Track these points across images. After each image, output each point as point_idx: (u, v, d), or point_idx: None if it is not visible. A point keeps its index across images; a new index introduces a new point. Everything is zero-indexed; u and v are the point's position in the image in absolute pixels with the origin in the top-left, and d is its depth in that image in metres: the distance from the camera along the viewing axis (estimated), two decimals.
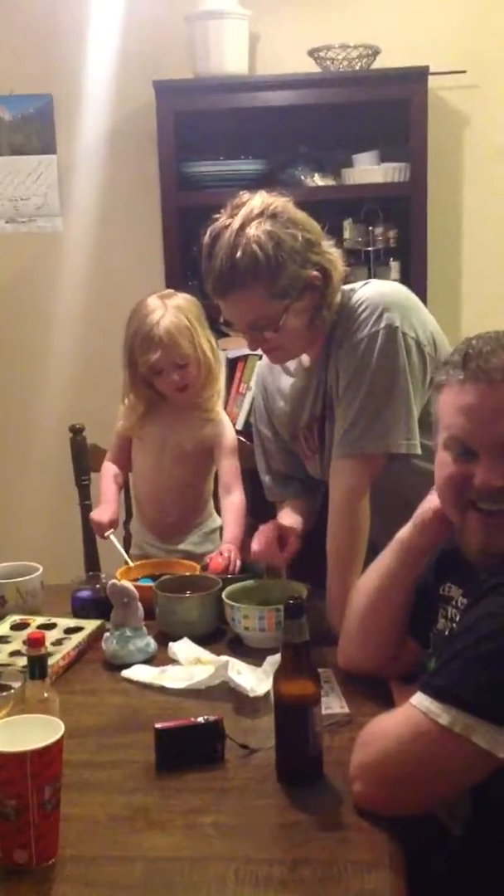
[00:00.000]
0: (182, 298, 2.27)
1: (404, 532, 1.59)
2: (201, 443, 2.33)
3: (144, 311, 2.23)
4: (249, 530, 2.16)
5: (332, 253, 1.91)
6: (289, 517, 2.13)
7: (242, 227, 1.80)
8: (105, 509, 2.34)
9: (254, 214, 1.81)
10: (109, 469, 2.43)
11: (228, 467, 2.33)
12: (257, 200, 1.83)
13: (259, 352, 2.06)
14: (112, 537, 2.26)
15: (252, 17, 3.07)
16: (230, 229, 1.80)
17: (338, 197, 3.12)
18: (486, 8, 3.16)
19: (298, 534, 2.07)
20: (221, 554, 2.13)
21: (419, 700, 1.25)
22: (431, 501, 1.54)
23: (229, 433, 2.35)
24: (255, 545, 1.99)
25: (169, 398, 2.30)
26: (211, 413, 2.33)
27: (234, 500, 2.31)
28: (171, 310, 2.21)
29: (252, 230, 1.79)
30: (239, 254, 1.78)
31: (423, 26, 3.14)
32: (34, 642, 1.37)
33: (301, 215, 1.87)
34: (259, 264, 1.78)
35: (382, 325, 1.84)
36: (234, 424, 3.03)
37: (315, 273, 1.85)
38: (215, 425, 2.33)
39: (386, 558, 1.62)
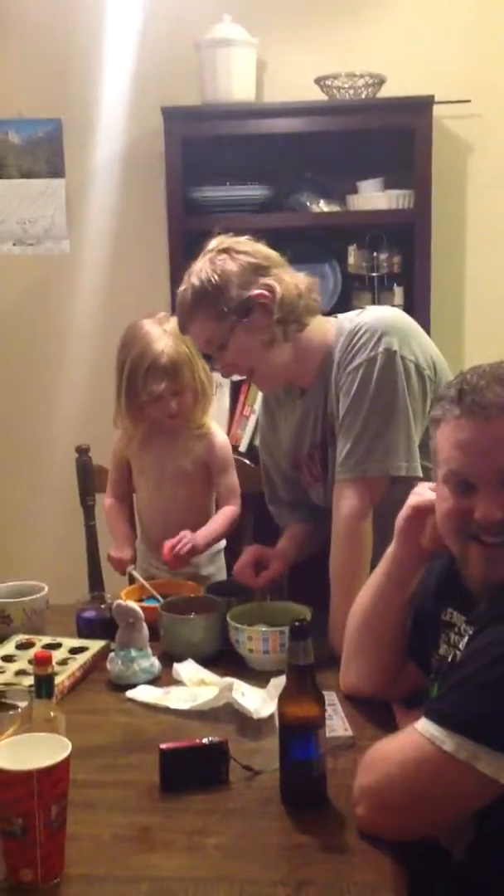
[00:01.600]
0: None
1: (390, 547, 1.61)
2: (198, 459, 2.33)
3: (146, 337, 2.22)
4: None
5: (286, 277, 1.96)
6: (284, 541, 2.17)
7: (192, 265, 1.97)
8: (122, 547, 2.36)
9: (206, 252, 1.97)
10: (111, 506, 2.45)
11: (226, 483, 2.34)
12: (214, 241, 1.98)
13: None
14: (134, 572, 2.25)
15: (260, 45, 3.12)
16: (186, 273, 1.97)
17: (342, 223, 3.15)
18: (491, 38, 3.20)
19: (285, 556, 2.12)
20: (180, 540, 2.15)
21: (423, 726, 1.26)
22: (403, 512, 1.56)
23: (221, 447, 2.35)
24: (235, 567, 2.09)
25: (158, 423, 2.30)
26: (202, 428, 2.32)
27: (226, 508, 2.31)
28: (172, 338, 2.21)
29: (199, 265, 1.95)
30: (186, 289, 1.95)
31: (429, 56, 3.18)
32: (41, 661, 1.38)
33: (253, 247, 1.98)
34: (200, 292, 1.93)
35: (381, 349, 1.87)
36: (237, 447, 3.06)
37: (260, 291, 1.92)
38: (207, 440, 2.33)
39: (376, 575, 1.65)
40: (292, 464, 2.14)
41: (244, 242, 1.98)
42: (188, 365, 2.22)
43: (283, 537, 2.20)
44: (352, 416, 1.89)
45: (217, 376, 3.10)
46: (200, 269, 1.94)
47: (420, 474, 1.85)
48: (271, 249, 2.01)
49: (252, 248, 1.96)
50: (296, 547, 2.16)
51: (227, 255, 1.94)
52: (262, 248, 1.98)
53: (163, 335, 2.22)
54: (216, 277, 1.92)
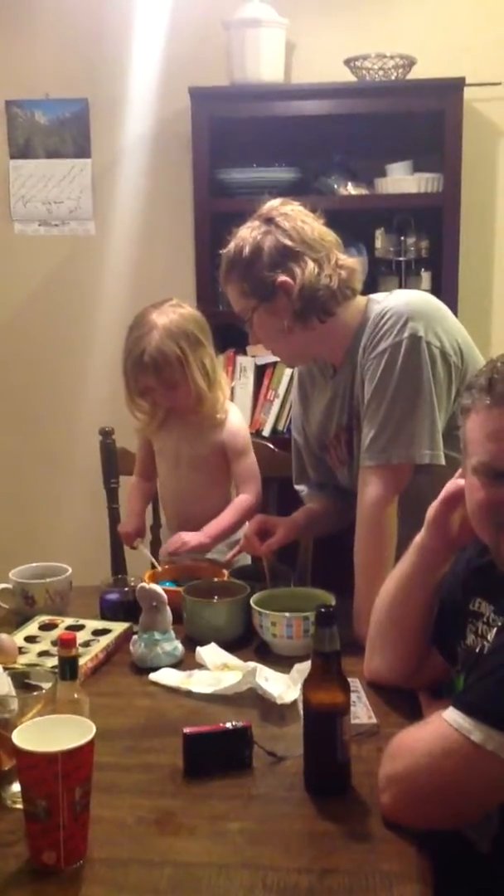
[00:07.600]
0: (179, 316, 2.21)
1: (418, 535, 1.59)
2: (213, 446, 2.31)
3: (140, 329, 2.20)
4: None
5: (318, 266, 1.90)
6: (298, 512, 2.18)
7: (239, 227, 1.96)
8: (129, 521, 2.38)
9: (255, 216, 1.95)
10: (132, 484, 2.47)
11: (241, 468, 2.31)
12: (267, 204, 1.95)
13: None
14: (140, 546, 2.26)
15: (289, 25, 3.09)
16: (232, 233, 1.97)
17: (370, 206, 3.13)
18: None
19: (294, 525, 2.12)
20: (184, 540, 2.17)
21: (451, 715, 1.24)
22: (437, 502, 1.54)
23: (237, 433, 2.32)
24: (242, 538, 2.13)
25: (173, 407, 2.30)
26: (216, 417, 2.29)
27: (240, 497, 2.28)
28: (163, 333, 2.17)
29: (242, 231, 1.95)
30: (225, 252, 1.97)
31: (460, 37, 3.14)
32: (66, 643, 1.38)
33: (296, 226, 1.91)
34: (234, 262, 1.94)
35: (406, 334, 1.84)
36: (260, 431, 3.05)
37: (285, 279, 1.90)
38: (223, 428, 2.30)
39: (403, 563, 1.63)
40: (320, 445, 2.13)
41: (292, 216, 1.93)
42: (177, 365, 2.17)
43: (299, 510, 2.19)
44: (376, 403, 1.87)
45: (241, 360, 3.14)
46: (240, 237, 1.94)
47: (443, 462, 1.83)
48: (324, 227, 1.95)
49: (294, 227, 1.91)
50: (308, 519, 2.15)
51: (269, 227, 1.92)
52: (305, 229, 1.92)
53: (153, 330, 2.18)
54: (247, 251, 1.91)
